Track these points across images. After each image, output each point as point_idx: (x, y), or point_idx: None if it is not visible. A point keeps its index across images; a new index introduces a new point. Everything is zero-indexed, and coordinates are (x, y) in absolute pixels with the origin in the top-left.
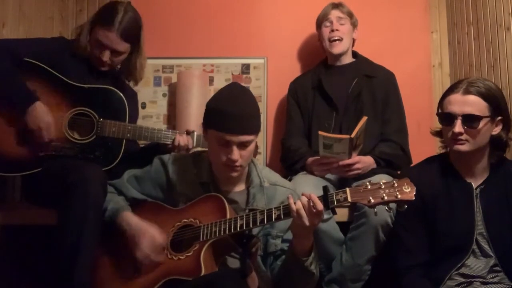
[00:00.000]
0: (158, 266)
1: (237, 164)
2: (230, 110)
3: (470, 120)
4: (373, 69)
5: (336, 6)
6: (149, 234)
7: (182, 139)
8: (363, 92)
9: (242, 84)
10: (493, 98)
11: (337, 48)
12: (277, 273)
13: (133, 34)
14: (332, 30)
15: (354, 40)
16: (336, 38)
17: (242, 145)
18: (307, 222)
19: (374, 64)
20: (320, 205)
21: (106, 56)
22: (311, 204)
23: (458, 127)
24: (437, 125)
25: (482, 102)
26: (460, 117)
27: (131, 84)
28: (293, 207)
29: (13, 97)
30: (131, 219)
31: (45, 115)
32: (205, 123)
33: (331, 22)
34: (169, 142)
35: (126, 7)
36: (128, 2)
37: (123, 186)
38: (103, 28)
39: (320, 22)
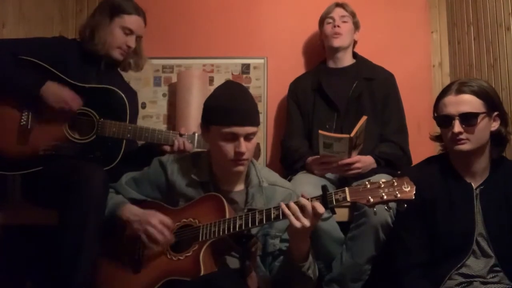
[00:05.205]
0: (158, 266)
1: (244, 157)
2: (233, 104)
3: (467, 118)
4: (373, 71)
5: (340, 5)
6: (157, 215)
7: (187, 145)
8: (363, 94)
9: (242, 84)
10: (486, 94)
11: (337, 41)
12: (275, 277)
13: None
14: (334, 27)
15: (355, 42)
16: (337, 34)
17: (248, 137)
18: (307, 224)
19: (373, 65)
20: (321, 209)
21: (133, 42)
22: (311, 208)
23: (457, 127)
24: (437, 128)
25: (476, 100)
26: (457, 117)
27: (134, 70)
28: (287, 212)
29: (22, 86)
30: (135, 209)
31: (62, 88)
32: (207, 121)
33: (334, 19)
34: (169, 144)
35: None
36: None
37: (122, 188)
38: (130, 15)
39: (323, 19)
